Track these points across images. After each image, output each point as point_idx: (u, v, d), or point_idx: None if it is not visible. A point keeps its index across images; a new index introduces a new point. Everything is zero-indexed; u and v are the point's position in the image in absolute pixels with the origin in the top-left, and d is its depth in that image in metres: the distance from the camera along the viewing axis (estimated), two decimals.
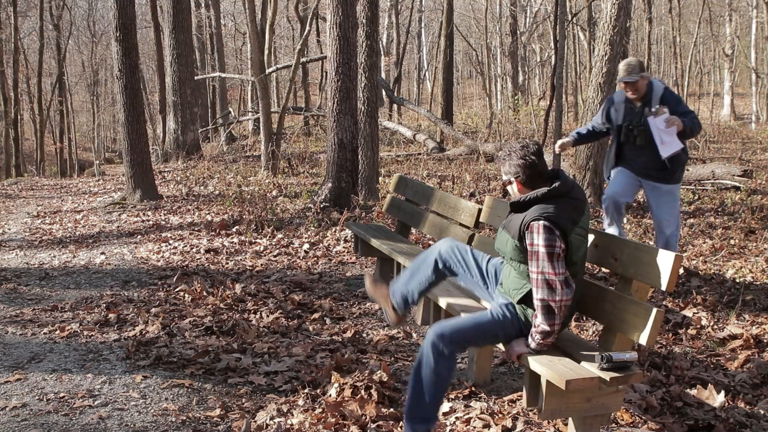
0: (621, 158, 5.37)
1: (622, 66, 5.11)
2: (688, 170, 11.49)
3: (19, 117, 26.32)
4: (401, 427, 3.28)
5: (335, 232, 7.85)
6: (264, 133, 13.57)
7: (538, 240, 2.88)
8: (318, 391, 3.70)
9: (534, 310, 3.00)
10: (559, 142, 5.58)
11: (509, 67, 30.34)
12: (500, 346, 3.20)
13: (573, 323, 4.79)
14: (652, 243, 6.93)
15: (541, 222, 2.88)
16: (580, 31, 26.19)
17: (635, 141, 5.18)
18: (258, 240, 7.78)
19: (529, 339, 2.99)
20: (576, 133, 5.63)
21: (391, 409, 3.43)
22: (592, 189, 9.04)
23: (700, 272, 5.94)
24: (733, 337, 4.47)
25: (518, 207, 3.04)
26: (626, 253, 3.05)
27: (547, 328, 2.91)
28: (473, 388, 3.76)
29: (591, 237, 3.37)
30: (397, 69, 29.61)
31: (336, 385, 3.65)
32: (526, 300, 3.05)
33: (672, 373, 3.91)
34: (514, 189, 3.12)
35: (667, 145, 5.01)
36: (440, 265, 3.38)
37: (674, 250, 5.06)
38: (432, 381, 2.97)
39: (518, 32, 29.72)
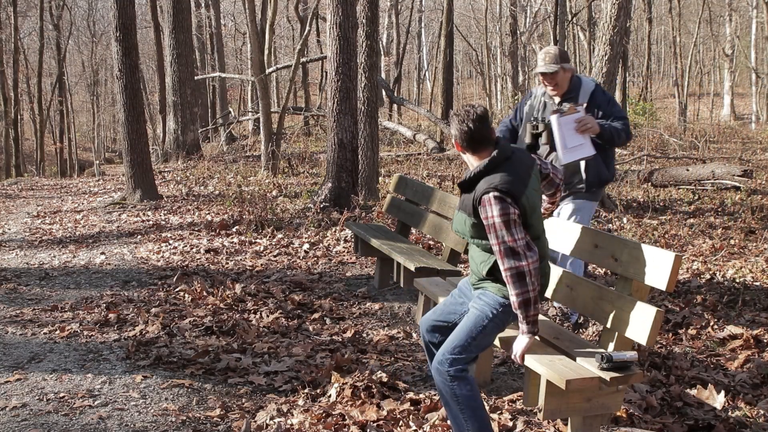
0: None
1: (540, 55, 4.34)
2: (687, 170, 11.48)
3: (19, 117, 26.33)
4: (401, 427, 3.28)
5: (335, 232, 7.85)
6: (264, 133, 13.57)
7: (491, 212, 2.87)
8: (318, 391, 3.70)
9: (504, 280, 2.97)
10: None
11: (509, 67, 30.33)
12: (499, 344, 3.20)
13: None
14: (650, 244, 6.95)
15: (491, 194, 2.88)
16: (580, 31, 26.20)
17: (538, 139, 4.35)
18: (258, 240, 7.78)
19: (520, 325, 2.97)
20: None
21: (391, 408, 3.43)
22: None
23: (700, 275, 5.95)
24: (733, 337, 4.47)
25: (466, 186, 3.03)
26: (626, 253, 3.05)
27: (522, 297, 2.86)
28: None
29: (585, 241, 3.37)
30: (397, 69, 29.63)
31: (336, 385, 3.65)
32: (494, 271, 3.02)
33: (672, 373, 3.91)
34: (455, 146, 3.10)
35: (572, 150, 4.16)
36: (436, 340, 3.29)
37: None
38: (464, 407, 2.93)
39: (518, 32, 29.70)
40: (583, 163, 4.27)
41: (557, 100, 4.35)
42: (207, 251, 7.30)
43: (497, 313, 3.02)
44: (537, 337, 3.27)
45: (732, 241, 7.13)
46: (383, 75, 27.96)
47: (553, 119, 4.19)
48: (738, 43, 31.39)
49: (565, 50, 4.28)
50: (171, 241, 7.90)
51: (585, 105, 4.25)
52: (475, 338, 3.00)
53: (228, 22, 36.13)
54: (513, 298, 2.89)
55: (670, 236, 7.39)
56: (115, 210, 10.52)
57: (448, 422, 3.06)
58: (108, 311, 5.15)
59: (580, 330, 4.66)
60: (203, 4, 26.07)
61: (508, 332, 3.35)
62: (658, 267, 2.86)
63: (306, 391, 3.68)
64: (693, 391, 3.65)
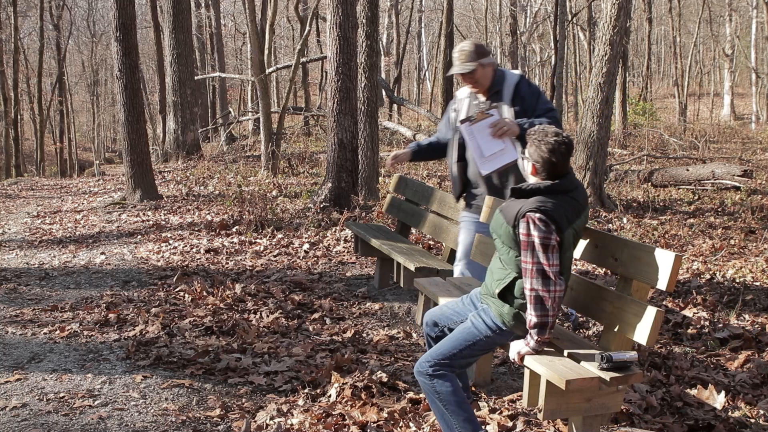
0: (468, 185, 4.10)
1: (454, 53, 3.92)
2: (687, 170, 11.47)
3: (19, 117, 26.32)
4: (401, 427, 3.28)
5: (335, 232, 7.85)
6: (264, 133, 13.57)
7: (533, 231, 2.86)
8: (318, 391, 3.70)
9: (511, 305, 2.99)
10: (393, 153, 4.34)
11: (509, 67, 30.34)
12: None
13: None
14: (650, 244, 6.95)
15: (537, 215, 2.86)
16: (580, 31, 26.21)
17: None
18: (258, 240, 7.78)
19: (528, 337, 2.98)
20: (416, 144, 4.41)
21: (392, 408, 3.43)
22: (592, 189, 9.05)
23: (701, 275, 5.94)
24: (733, 337, 4.47)
25: (519, 194, 3.02)
26: (626, 253, 3.05)
27: (539, 320, 2.85)
28: (473, 388, 3.77)
29: (585, 241, 3.37)
30: (397, 69, 29.62)
31: (336, 385, 3.65)
32: (506, 294, 3.01)
33: (672, 373, 3.91)
34: (528, 168, 3.07)
35: (492, 159, 3.81)
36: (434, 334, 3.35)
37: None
38: (446, 403, 2.97)
39: (518, 32, 29.70)
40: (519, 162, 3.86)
41: (482, 98, 4.00)
42: (207, 251, 7.30)
43: (490, 335, 3.03)
44: None
45: (732, 241, 7.13)
46: (383, 75, 27.96)
47: (464, 129, 3.87)
48: (738, 43, 31.39)
49: (483, 44, 3.92)
50: (171, 241, 7.90)
51: (499, 106, 3.89)
52: (462, 351, 3.02)
53: (228, 22, 36.12)
54: (530, 318, 2.88)
55: (670, 236, 7.40)
56: (115, 210, 10.52)
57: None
58: (108, 311, 5.15)
59: (580, 330, 4.66)
60: (203, 4, 26.06)
61: None
62: (658, 267, 2.86)
63: (306, 391, 3.68)
64: (693, 391, 3.65)
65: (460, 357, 3.03)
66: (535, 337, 2.91)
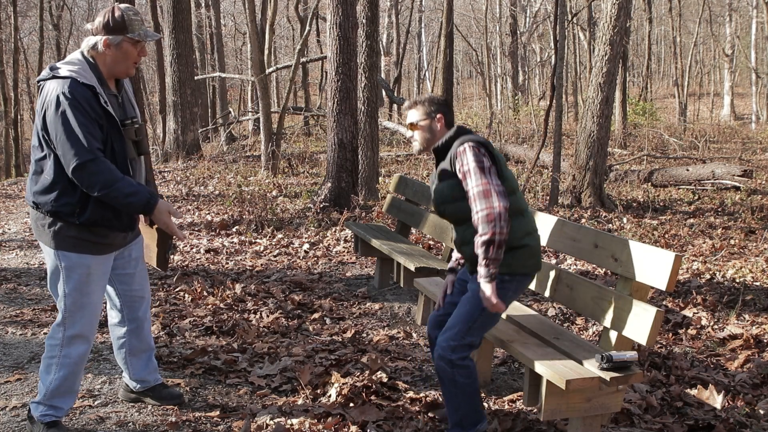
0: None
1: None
2: (687, 170, 11.46)
3: (19, 117, 26.29)
4: (401, 427, 3.28)
5: (335, 232, 7.85)
6: (264, 133, 13.57)
7: (466, 159, 2.95)
8: (318, 391, 3.70)
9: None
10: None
11: (509, 67, 30.37)
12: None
13: (573, 324, 4.79)
14: (650, 244, 6.96)
15: (466, 144, 2.98)
16: (580, 31, 26.22)
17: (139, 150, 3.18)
18: (258, 240, 7.78)
19: (478, 269, 2.89)
20: None
21: (392, 405, 3.43)
22: (592, 189, 9.06)
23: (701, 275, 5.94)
24: (733, 337, 4.47)
25: (439, 151, 3.15)
26: (626, 253, 3.05)
27: (488, 237, 2.82)
28: None
29: (585, 241, 3.37)
30: (397, 69, 29.60)
31: (336, 385, 3.65)
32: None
33: (672, 373, 3.91)
34: (420, 135, 3.20)
35: None
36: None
37: None
38: (459, 392, 2.98)
39: (518, 32, 29.73)
40: None
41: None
42: (207, 251, 7.30)
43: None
44: (536, 338, 3.27)
45: (732, 241, 7.13)
46: (383, 75, 27.95)
47: None
48: (738, 43, 31.40)
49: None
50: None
51: None
52: (477, 320, 2.98)
53: (228, 22, 36.11)
54: (478, 238, 2.87)
55: (670, 236, 7.40)
56: None
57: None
58: None
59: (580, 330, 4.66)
60: (203, 4, 26.05)
61: (503, 333, 3.35)
62: (658, 267, 2.86)
63: (306, 391, 3.68)
64: (693, 391, 3.65)
65: (477, 328, 2.98)
66: (483, 260, 2.84)
